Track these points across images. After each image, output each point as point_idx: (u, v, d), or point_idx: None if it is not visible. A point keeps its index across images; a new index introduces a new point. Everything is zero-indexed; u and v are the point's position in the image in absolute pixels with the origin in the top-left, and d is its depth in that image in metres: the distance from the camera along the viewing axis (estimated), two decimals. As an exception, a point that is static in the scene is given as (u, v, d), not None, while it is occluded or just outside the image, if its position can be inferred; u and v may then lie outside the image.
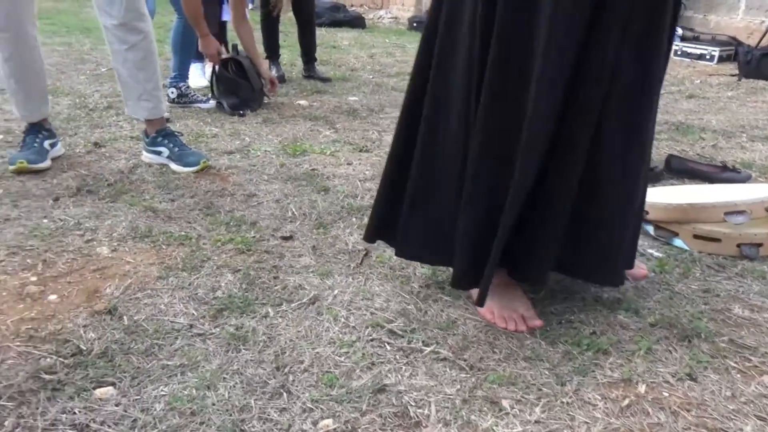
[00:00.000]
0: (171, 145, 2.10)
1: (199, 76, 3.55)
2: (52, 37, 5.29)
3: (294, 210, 1.81)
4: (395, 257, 1.51)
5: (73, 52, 4.49)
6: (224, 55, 3.10)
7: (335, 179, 2.10)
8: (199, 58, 3.56)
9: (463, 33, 1.14)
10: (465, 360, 1.12)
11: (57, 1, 8.23)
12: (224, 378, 1.05)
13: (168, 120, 2.40)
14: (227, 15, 3.42)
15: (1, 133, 2.42)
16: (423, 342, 1.18)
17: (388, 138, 2.66)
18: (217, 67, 3.04)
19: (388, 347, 1.16)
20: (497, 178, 1.13)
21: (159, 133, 2.11)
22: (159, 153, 2.12)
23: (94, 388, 1.01)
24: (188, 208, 1.78)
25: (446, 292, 1.36)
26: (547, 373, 1.09)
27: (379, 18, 8.93)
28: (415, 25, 7.91)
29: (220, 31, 3.66)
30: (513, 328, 1.21)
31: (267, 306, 1.28)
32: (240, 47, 3.15)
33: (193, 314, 1.24)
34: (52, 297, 1.26)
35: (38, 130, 2.08)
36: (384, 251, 1.56)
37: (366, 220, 1.76)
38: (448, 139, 1.20)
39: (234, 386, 1.04)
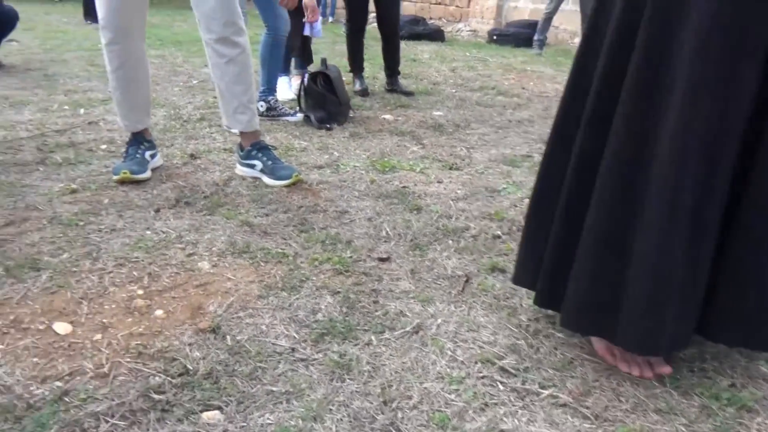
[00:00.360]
0: (264, 159, 2.11)
1: (286, 89, 3.61)
2: (147, 50, 5.55)
3: (388, 229, 1.76)
4: (498, 285, 1.44)
5: (167, 65, 4.68)
6: (313, 69, 3.12)
7: (427, 198, 2.05)
8: (286, 71, 3.62)
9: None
10: (588, 408, 1.03)
11: (150, 15, 8.70)
12: (330, 409, 1.01)
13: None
14: (317, 33, 3.45)
15: (104, 143, 2.53)
16: (539, 384, 1.09)
17: (477, 155, 2.59)
18: (305, 81, 3.07)
19: (501, 387, 1.08)
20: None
21: (253, 147, 2.13)
22: (253, 166, 2.14)
23: (202, 412, 0.99)
24: (283, 223, 1.77)
25: (558, 328, 1.26)
26: (684, 430, 0.98)
27: (457, 31, 8.86)
28: (494, 38, 7.79)
29: (303, 45, 3.71)
30: (638, 373, 1.10)
31: (369, 333, 1.23)
32: (328, 61, 3.17)
33: (295, 337, 1.21)
34: (159, 312, 1.26)
35: (140, 141, 2.15)
36: (486, 278, 1.48)
37: (462, 242, 1.70)
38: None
39: (341, 419, 0.99)
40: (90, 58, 4.74)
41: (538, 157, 2.59)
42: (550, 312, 1.32)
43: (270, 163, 2.10)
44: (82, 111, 3.08)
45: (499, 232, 1.79)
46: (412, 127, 3.02)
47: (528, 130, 3.08)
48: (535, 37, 6.57)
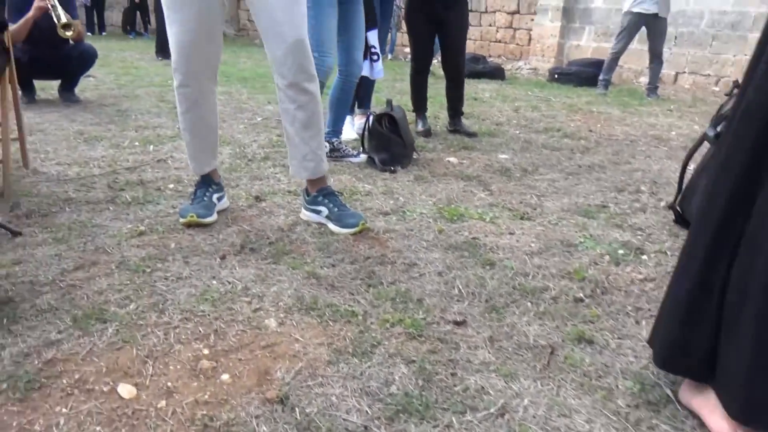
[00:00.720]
0: (330, 205, 2.06)
1: (349, 128, 3.60)
2: (214, 85, 5.73)
3: (460, 287, 1.66)
4: (587, 360, 1.30)
5: (233, 101, 4.79)
6: (378, 110, 3.09)
7: (499, 251, 1.93)
8: (350, 111, 3.61)
9: None
10: None
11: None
12: (410, 507, 0.90)
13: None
14: (378, 74, 3.43)
15: (172, 182, 2.54)
16: (648, 490, 0.95)
17: (549, 204, 2.46)
18: (370, 122, 3.03)
19: (603, 491, 0.95)
20: None
21: (320, 193, 2.08)
22: (318, 212, 2.09)
23: (269, 500, 0.90)
24: (350, 276, 1.70)
25: (662, 418, 1.12)
26: None
27: (518, 69, 8.78)
28: (556, 76, 7.65)
29: (364, 85, 3.70)
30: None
31: (449, 413, 1.12)
32: (394, 102, 3.14)
33: (367, 413, 1.11)
34: (225, 377, 1.19)
35: (208, 183, 2.14)
36: (572, 350, 1.35)
37: (542, 305, 1.57)
38: None
39: None
40: (160, 94, 4.90)
41: (614, 208, 2.44)
42: (650, 397, 1.18)
43: (336, 209, 2.04)
44: (151, 148, 3.14)
45: (581, 294, 1.65)
46: (478, 171, 2.93)
47: (600, 177, 2.93)
48: (600, 77, 6.40)
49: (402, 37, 11.22)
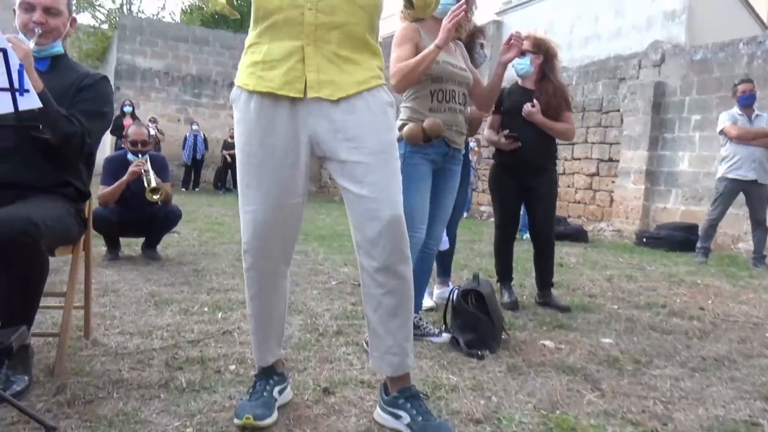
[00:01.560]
0: (414, 412, 1.70)
1: (426, 296, 3.31)
2: (291, 243, 5.73)
3: None
4: None
5: (308, 262, 4.69)
6: (465, 285, 2.81)
7: (632, 492, 1.47)
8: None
9: None
10: None
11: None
12: None
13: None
14: (444, 244, 3.19)
15: (234, 361, 2.29)
16: None
17: (680, 415, 1.98)
18: (454, 297, 2.74)
19: None
20: None
21: (401, 394, 1.74)
22: (398, 417, 1.73)
23: None
24: None
25: None
26: None
27: (600, 230, 8.45)
28: (644, 240, 7.24)
29: (442, 256, 3.48)
30: None
31: None
32: (475, 267, 2.86)
33: None
34: None
35: (270, 375, 1.86)
36: None
37: None
38: None
39: None
40: (237, 253, 4.89)
41: (769, 426, 1.92)
42: None
43: (420, 419, 1.68)
44: (220, 315, 2.96)
45: None
46: (582, 361, 2.50)
47: (734, 377, 2.41)
48: (698, 245, 5.93)
49: (477, 196, 11.32)
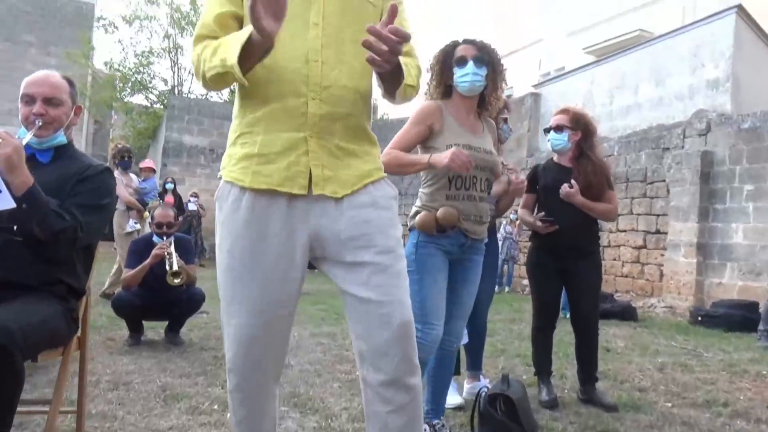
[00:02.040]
0: None
1: (452, 392, 3.01)
2: (321, 325, 5.51)
3: None
4: None
5: (335, 347, 4.46)
6: (492, 388, 2.54)
7: None
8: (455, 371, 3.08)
9: None
10: None
11: (326, 281, 9.19)
12: None
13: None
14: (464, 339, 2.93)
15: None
16: None
17: None
18: (481, 403, 2.47)
19: None
20: None
21: None
22: None
23: None
24: None
25: None
26: None
27: (650, 307, 7.93)
28: (700, 318, 6.71)
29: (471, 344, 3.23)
30: None
31: None
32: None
33: None
34: None
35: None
36: None
37: None
38: None
39: None
40: (262, 336, 4.72)
41: None
42: None
43: None
44: (228, 416, 2.75)
45: None
46: (629, 482, 2.16)
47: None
48: (760, 327, 5.43)
49: (519, 269, 10.92)
